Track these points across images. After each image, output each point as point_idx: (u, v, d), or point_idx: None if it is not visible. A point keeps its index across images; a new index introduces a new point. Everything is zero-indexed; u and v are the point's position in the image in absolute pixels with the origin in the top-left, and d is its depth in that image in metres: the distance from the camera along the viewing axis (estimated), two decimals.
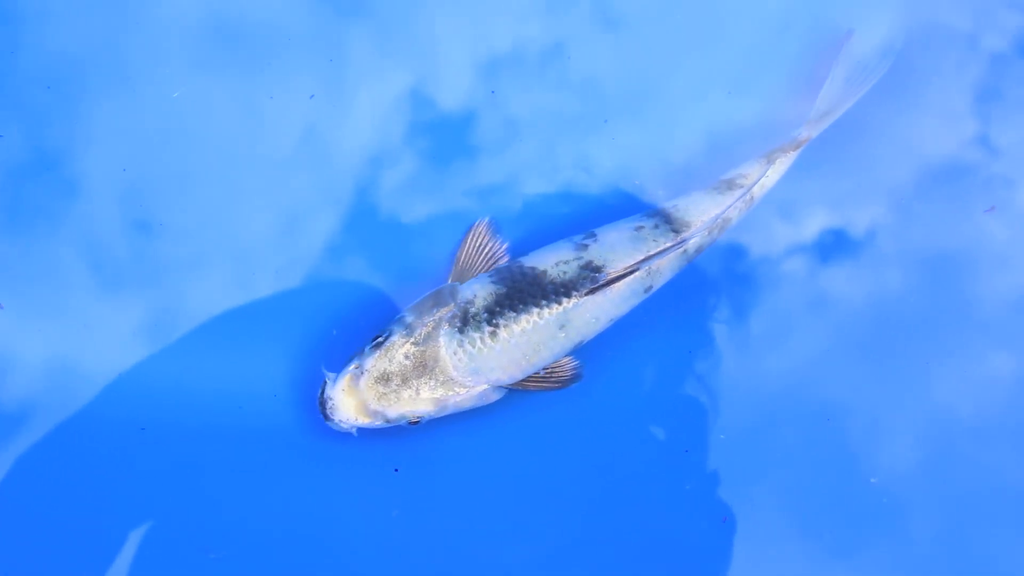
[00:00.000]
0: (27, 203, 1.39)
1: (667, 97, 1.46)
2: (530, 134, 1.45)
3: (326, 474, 1.37)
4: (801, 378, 1.41)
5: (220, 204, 1.41)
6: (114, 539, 1.34)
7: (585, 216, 1.43)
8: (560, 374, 1.31)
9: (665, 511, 1.38)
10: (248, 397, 1.37)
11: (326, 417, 1.26)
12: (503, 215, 1.42)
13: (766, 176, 1.37)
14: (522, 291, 1.27)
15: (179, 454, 1.36)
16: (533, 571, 1.36)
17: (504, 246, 1.37)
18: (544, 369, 1.30)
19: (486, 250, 1.36)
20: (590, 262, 1.29)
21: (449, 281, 1.34)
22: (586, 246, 1.31)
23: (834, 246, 1.44)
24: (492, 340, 1.25)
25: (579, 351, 1.32)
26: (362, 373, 1.26)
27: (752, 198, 1.37)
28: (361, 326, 1.38)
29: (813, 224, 1.45)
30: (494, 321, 1.25)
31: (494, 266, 1.35)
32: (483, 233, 1.37)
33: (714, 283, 1.43)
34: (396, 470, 1.37)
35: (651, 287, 1.32)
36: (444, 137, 1.44)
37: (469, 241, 1.36)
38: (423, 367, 1.26)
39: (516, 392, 1.32)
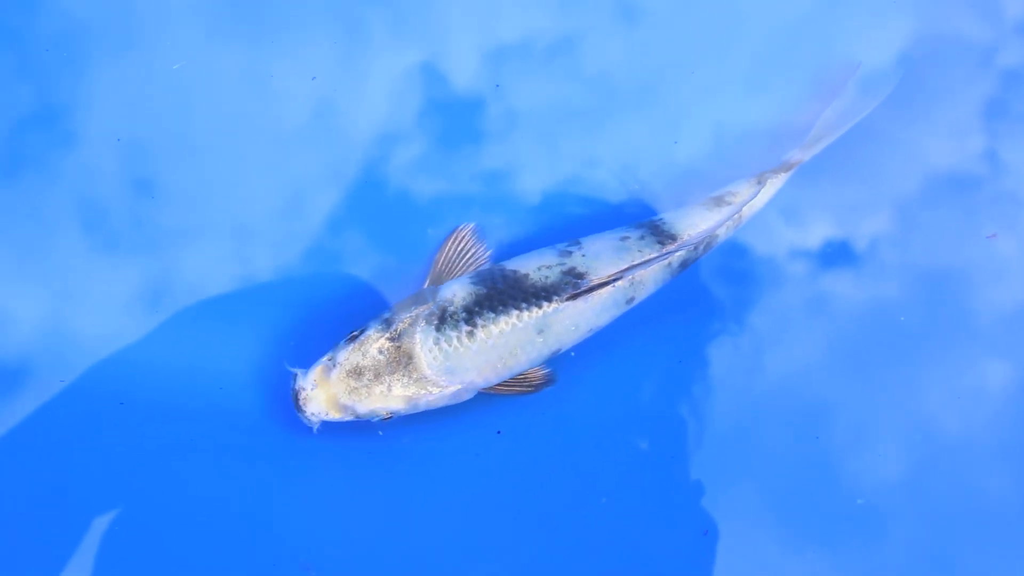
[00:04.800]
0: (27, 158, 1.39)
1: (675, 95, 1.47)
2: (535, 124, 1.45)
3: (305, 464, 1.35)
4: (792, 381, 1.40)
5: (222, 174, 1.41)
6: (100, 513, 1.33)
7: (581, 213, 1.43)
8: (532, 378, 1.29)
9: (648, 514, 1.36)
10: (237, 376, 1.36)
11: (298, 409, 1.24)
12: (501, 206, 1.42)
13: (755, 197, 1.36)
14: (502, 293, 1.25)
15: (160, 432, 1.34)
16: None
17: (488, 253, 1.36)
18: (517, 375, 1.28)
19: (467, 256, 1.34)
20: (573, 268, 1.27)
21: (427, 284, 1.32)
22: (570, 252, 1.29)
23: (835, 252, 1.44)
24: (469, 340, 1.23)
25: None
26: (334, 366, 1.24)
27: (740, 218, 1.36)
28: (357, 306, 1.37)
29: (816, 229, 1.44)
30: (472, 321, 1.24)
31: (474, 270, 1.33)
32: (466, 238, 1.35)
33: (712, 281, 1.42)
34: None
35: (633, 298, 1.31)
36: (451, 122, 1.44)
37: (449, 245, 1.34)
38: (397, 363, 1.23)
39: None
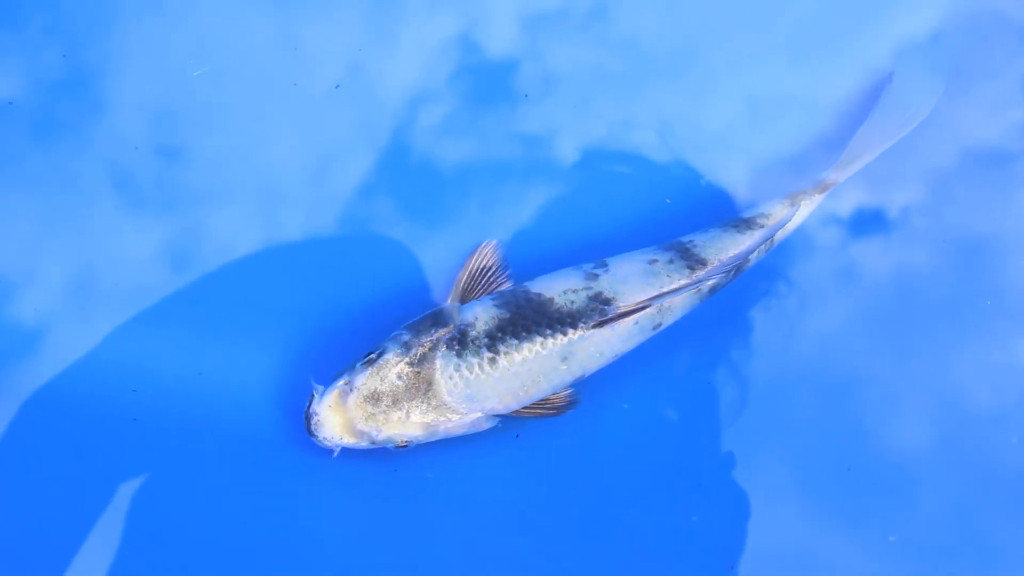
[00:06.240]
0: (57, 123, 1.39)
1: (710, 63, 1.45)
2: (569, 90, 1.43)
3: (311, 465, 1.31)
4: (821, 349, 1.38)
5: (252, 138, 1.40)
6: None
7: (615, 180, 1.41)
8: (555, 401, 1.25)
9: (672, 493, 1.35)
10: (262, 343, 1.35)
11: (310, 433, 1.20)
12: (535, 172, 1.40)
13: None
14: (526, 318, 1.21)
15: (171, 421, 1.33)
16: None
17: (507, 273, 1.32)
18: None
19: (489, 273, 1.30)
20: (600, 293, 1.23)
21: (448, 302, 1.28)
22: (596, 276, 1.25)
23: (867, 222, 1.42)
24: (491, 367, 1.19)
25: None
26: (351, 390, 1.20)
27: (772, 241, 1.32)
28: (386, 278, 1.37)
29: (849, 199, 1.42)
30: (495, 347, 1.19)
31: (496, 291, 1.29)
32: (488, 255, 1.31)
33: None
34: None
35: (660, 324, 1.26)
36: (484, 85, 1.43)
37: (473, 262, 1.30)
38: (416, 389, 1.19)
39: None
